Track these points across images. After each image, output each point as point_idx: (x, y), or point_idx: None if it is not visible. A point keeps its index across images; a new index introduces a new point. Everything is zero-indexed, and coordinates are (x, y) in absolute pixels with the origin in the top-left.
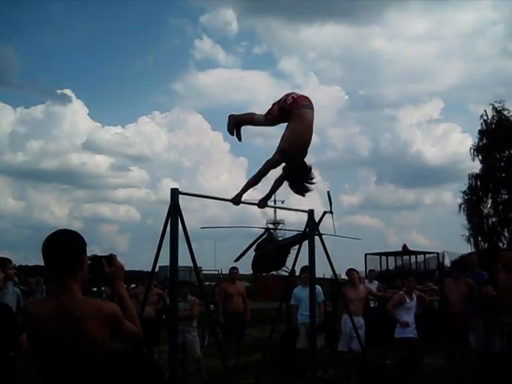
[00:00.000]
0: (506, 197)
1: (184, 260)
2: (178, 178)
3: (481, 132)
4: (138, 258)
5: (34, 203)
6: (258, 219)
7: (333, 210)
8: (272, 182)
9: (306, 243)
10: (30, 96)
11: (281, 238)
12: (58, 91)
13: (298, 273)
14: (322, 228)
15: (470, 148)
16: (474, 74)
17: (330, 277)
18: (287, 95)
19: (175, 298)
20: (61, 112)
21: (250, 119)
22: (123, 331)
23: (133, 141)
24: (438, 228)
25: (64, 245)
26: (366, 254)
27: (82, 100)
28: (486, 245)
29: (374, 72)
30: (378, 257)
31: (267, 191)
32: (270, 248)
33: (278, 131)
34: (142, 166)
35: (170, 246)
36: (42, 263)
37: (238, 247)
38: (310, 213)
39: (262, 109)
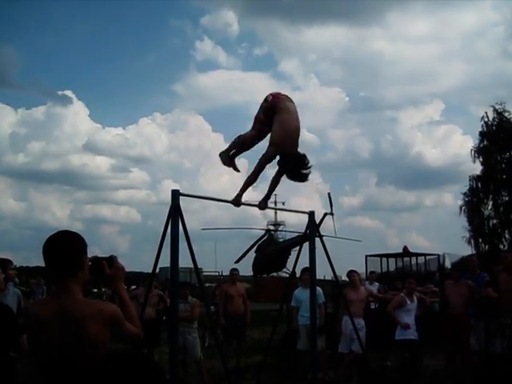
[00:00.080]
0: (506, 198)
1: (184, 261)
2: (179, 179)
3: (481, 134)
4: (138, 259)
5: (34, 204)
6: (259, 221)
7: (333, 211)
8: (270, 183)
9: (306, 245)
10: (30, 97)
11: (281, 240)
12: (59, 92)
13: (298, 274)
14: (322, 229)
15: (471, 150)
16: (474, 75)
17: (330, 278)
18: (266, 97)
19: (176, 300)
20: (62, 113)
21: (239, 142)
22: (124, 332)
23: (133, 142)
24: (439, 230)
25: (65, 246)
26: (366, 256)
27: (83, 101)
28: (487, 246)
29: (374, 73)
30: (378, 258)
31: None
32: (271, 249)
33: None
34: (143, 167)
35: (171, 247)
36: (43, 264)
37: (239, 248)
38: (311, 214)
39: None
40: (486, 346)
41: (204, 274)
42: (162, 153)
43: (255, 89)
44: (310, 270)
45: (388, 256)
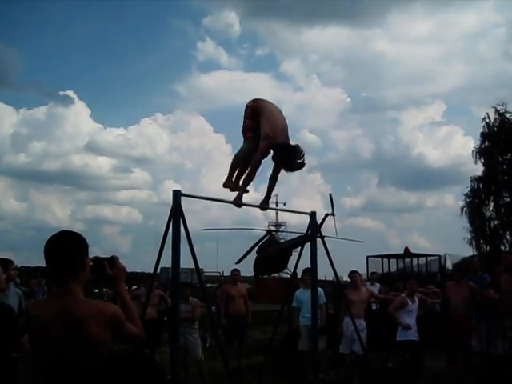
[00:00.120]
0: (508, 199)
1: (186, 262)
2: (180, 179)
3: (483, 135)
4: (139, 259)
5: (36, 204)
6: (260, 221)
7: (334, 212)
8: (268, 182)
9: (307, 245)
10: (32, 97)
11: (283, 240)
12: (61, 93)
13: (299, 275)
14: (323, 230)
15: (473, 151)
16: (476, 76)
17: (331, 279)
18: (247, 104)
19: (177, 300)
20: (63, 113)
21: (239, 160)
22: (125, 333)
23: (135, 142)
24: (440, 231)
25: (66, 247)
26: (367, 257)
27: (85, 101)
28: (488, 248)
29: (376, 74)
30: (379, 259)
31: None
32: (272, 250)
33: None
34: (145, 167)
35: (172, 247)
36: (44, 264)
37: (240, 249)
38: (312, 215)
39: None
40: (487, 348)
41: (205, 274)
42: (163, 153)
43: (257, 89)
44: (312, 270)
45: (389, 257)
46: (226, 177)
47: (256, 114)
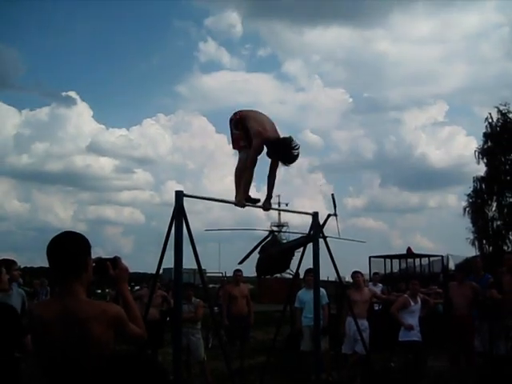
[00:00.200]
0: (510, 200)
1: (188, 262)
2: (183, 180)
3: (485, 135)
4: (142, 260)
5: (38, 205)
6: (263, 222)
7: (337, 212)
8: (267, 181)
9: (310, 246)
10: (34, 98)
11: (285, 241)
12: (63, 93)
13: (302, 275)
14: (326, 230)
15: (475, 151)
16: (478, 76)
17: (334, 279)
18: (230, 118)
19: (179, 300)
20: (65, 114)
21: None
22: (127, 333)
23: (137, 143)
24: (443, 231)
25: (68, 247)
26: (370, 257)
27: (87, 102)
28: (491, 248)
29: (378, 75)
30: (382, 259)
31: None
32: (275, 250)
33: None
34: (147, 168)
35: (175, 248)
36: (47, 265)
37: (243, 250)
38: (315, 215)
39: (265, 111)
40: (490, 348)
41: (208, 275)
42: (165, 154)
43: (259, 90)
44: (314, 271)
45: (392, 257)
46: (235, 193)
47: (242, 123)
